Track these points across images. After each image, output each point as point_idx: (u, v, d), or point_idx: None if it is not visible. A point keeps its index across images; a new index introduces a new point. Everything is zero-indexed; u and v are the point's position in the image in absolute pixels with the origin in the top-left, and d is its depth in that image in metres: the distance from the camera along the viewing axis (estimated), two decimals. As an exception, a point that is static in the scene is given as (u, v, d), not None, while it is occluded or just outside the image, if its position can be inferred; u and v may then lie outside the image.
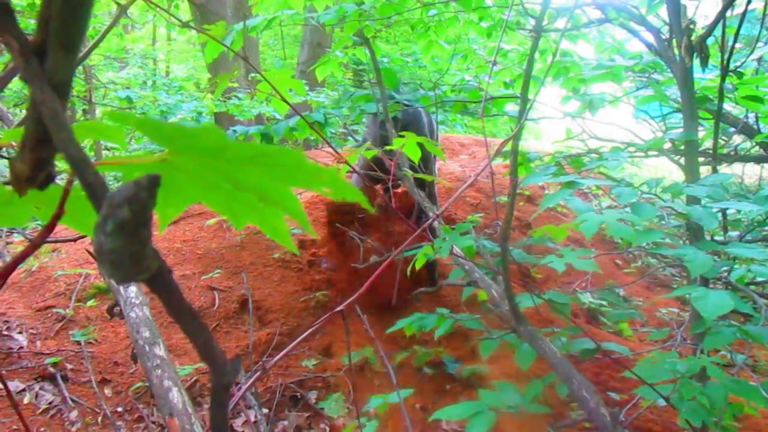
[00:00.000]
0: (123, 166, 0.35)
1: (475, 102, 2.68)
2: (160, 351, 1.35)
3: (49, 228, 0.31)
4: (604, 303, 3.11)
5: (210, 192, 0.39)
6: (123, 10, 1.41)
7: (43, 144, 0.27)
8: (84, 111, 6.54)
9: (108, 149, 7.44)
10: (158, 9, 1.38)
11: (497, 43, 2.24)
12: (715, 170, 2.08)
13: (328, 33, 5.63)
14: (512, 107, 3.02)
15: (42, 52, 0.25)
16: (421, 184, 2.94)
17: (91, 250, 1.77)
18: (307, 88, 4.09)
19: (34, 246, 0.38)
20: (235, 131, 2.36)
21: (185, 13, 7.54)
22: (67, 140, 0.25)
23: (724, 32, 1.90)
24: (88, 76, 5.06)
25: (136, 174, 0.41)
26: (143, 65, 6.48)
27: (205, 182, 0.35)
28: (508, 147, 1.77)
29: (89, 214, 0.28)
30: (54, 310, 2.74)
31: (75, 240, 1.73)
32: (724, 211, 2.14)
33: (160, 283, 0.26)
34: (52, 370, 2.37)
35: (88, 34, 5.51)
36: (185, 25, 1.29)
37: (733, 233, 2.54)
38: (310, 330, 1.15)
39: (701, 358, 1.47)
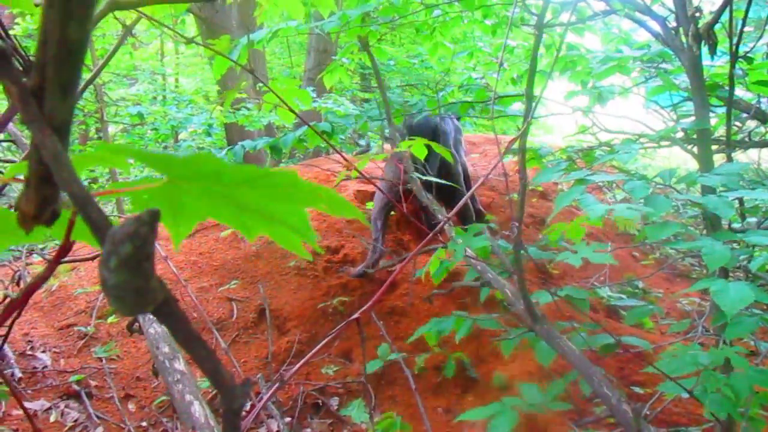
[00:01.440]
0: (129, 193, 0.36)
1: (482, 102, 2.67)
2: (180, 365, 1.36)
3: (60, 255, 0.32)
4: (624, 297, 3.08)
5: (218, 208, 0.40)
6: (129, 29, 1.43)
7: (47, 182, 0.28)
8: (97, 129, 6.62)
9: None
10: (163, 27, 1.39)
11: (503, 41, 2.24)
12: (729, 158, 2.05)
13: (333, 40, 5.65)
14: (520, 105, 3.00)
15: (40, 95, 0.26)
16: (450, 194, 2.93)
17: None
18: (314, 95, 4.11)
19: (50, 268, 0.38)
20: (243, 146, 2.38)
21: (191, 27, 7.61)
22: (69, 179, 0.25)
23: (731, 18, 1.88)
24: (99, 95, 5.13)
25: (143, 198, 0.42)
26: (153, 81, 6.55)
27: (211, 201, 0.36)
28: (517, 144, 1.76)
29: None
30: (76, 328, 2.78)
31: (93, 258, 1.76)
32: (740, 198, 2.11)
33: (167, 313, 0.26)
34: (76, 387, 2.40)
35: (96, 53, 5.58)
36: (190, 41, 1.31)
37: (752, 219, 2.50)
38: (327, 339, 1.16)
39: (724, 349, 1.45)
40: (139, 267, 0.23)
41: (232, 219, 0.37)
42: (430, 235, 1.57)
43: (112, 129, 6.93)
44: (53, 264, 0.38)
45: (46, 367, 2.53)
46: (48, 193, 0.29)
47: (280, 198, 0.33)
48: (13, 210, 0.38)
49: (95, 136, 7.46)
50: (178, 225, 0.39)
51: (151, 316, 1.65)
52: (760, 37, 2.17)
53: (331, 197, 0.33)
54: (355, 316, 1.20)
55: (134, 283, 0.24)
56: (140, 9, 1.25)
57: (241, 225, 0.37)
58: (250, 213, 0.35)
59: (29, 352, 2.60)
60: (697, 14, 1.87)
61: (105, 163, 0.37)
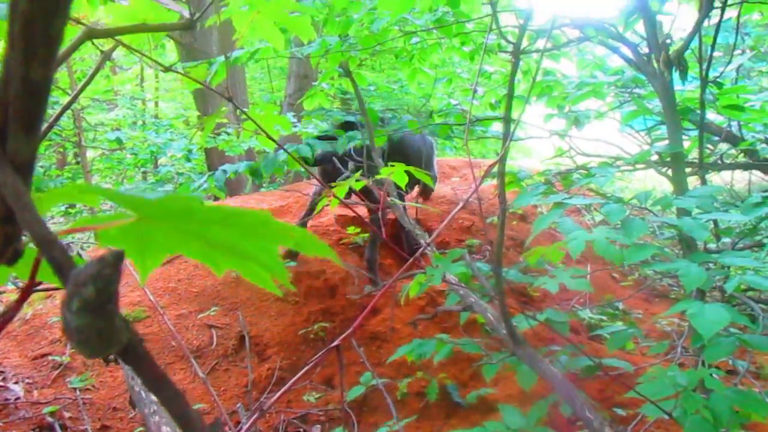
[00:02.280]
0: (99, 229, 0.35)
1: (460, 125, 2.70)
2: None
3: (24, 297, 0.31)
4: (604, 318, 3.10)
5: (187, 244, 0.39)
6: (106, 56, 1.42)
7: (8, 222, 0.27)
8: (75, 154, 6.56)
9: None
10: (141, 55, 1.39)
11: (478, 68, 2.27)
12: (703, 180, 2.09)
13: (314, 66, 5.69)
14: (498, 127, 3.04)
15: (2, 135, 0.26)
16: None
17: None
18: (295, 120, 4.11)
19: (14, 308, 0.37)
20: (224, 171, 2.37)
21: (172, 51, 7.62)
22: (31, 219, 0.25)
23: (700, 45, 1.93)
24: (77, 119, 5.09)
25: (111, 233, 0.41)
26: (132, 105, 6.52)
27: (180, 237, 0.36)
28: (496, 169, 1.78)
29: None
30: (50, 357, 2.72)
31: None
32: (715, 220, 2.15)
33: (132, 356, 0.26)
34: (50, 419, 2.34)
35: (75, 76, 5.55)
36: (168, 69, 1.30)
37: (727, 239, 2.55)
38: (306, 369, 1.14)
39: (701, 371, 1.46)
40: (102, 309, 0.23)
41: (202, 254, 0.36)
42: (410, 260, 1.57)
43: (90, 154, 6.87)
44: (16, 305, 0.37)
45: (18, 398, 2.46)
46: (10, 232, 0.28)
47: (251, 236, 0.33)
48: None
49: (73, 160, 7.38)
50: (145, 259, 0.38)
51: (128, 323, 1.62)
52: (729, 62, 2.24)
53: (303, 236, 0.33)
54: (335, 343, 1.19)
55: (97, 325, 0.23)
56: (117, 37, 1.24)
57: (210, 260, 0.37)
58: (220, 249, 0.35)
59: (1, 383, 2.52)
60: (668, 41, 1.92)
61: (74, 200, 0.36)
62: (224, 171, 2.43)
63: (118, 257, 0.23)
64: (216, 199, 5.71)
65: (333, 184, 1.59)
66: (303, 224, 3.37)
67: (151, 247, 0.39)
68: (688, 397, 1.42)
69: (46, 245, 0.25)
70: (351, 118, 3.03)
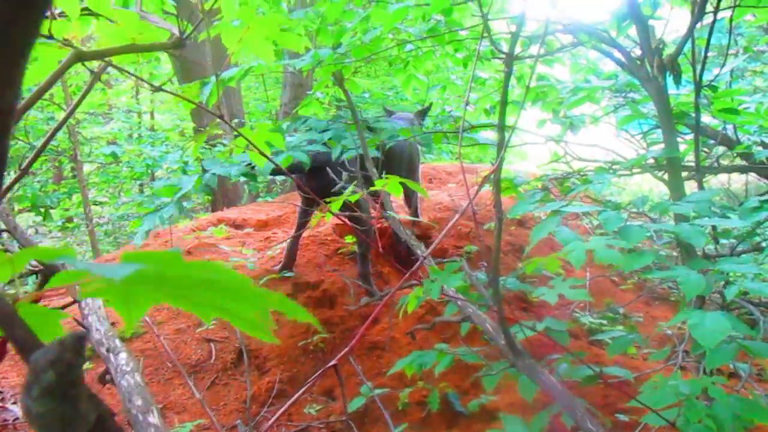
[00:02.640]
0: (77, 290, 0.34)
1: (454, 132, 2.69)
2: (153, 419, 1.32)
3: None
4: (605, 322, 3.09)
5: (171, 297, 0.38)
6: (96, 77, 1.41)
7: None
8: (71, 168, 6.54)
9: (97, 204, 7.43)
10: (131, 75, 1.38)
11: (471, 74, 2.27)
12: (700, 183, 2.08)
13: (307, 75, 5.69)
14: (491, 133, 3.04)
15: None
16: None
17: (80, 319, 1.74)
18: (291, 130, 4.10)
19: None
20: (214, 174, 2.36)
21: (167, 63, 7.61)
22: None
23: (694, 49, 1.93)
24: (73, 134, 5.08)
25: (96, 287, 0.40)
26: (127, 119, 6.51)
27: (164, 295, 0.35)
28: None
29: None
30: (48, 376, 2.70)
31: (63, 308, 1.71)
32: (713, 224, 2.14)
33: None
34: (49, 440, 2.32)
35: (70, 90, 5.54)
36: (158, 89, 1.30)
37: (725, 241, 2.54)
38: (305, 388, 1.13)
39: (704, 379, 1.45)
40: (64, 394, 0.22)
41: (187, 306, 0.35)
42: (409, 272, 1.56)
43: (86, 167, 6.86)
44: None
45: (17, 419, 2.44)
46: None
47: (232, 299, 0.32)
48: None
49: (70, 175, 7.37)
50: (130, 310, 0.37)
51: (125, 367, 1.60)
52: (723, 65, 2.23)
53: (282, 301, 0.32)
54: (332, 363, 1.18)
55: (59, 411, 0.22)
56: (106, 58, 1.24)
57: (197, 311, 0.36)
58: (205, 306, 0.34)
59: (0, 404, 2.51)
60: (661, 45, 1.92)
61: (53, 257, 0.35)
62: (213, 174, 2.42)
63: (78, 341, 0.22)
64: (214, 208, 5.70)
65: (328, 199, 1.58)
66: (296, 238, 3.37)
67: (135, 300, 0.38)
68: (691, 406, 1.41)
69: (7, 325, 0.23)
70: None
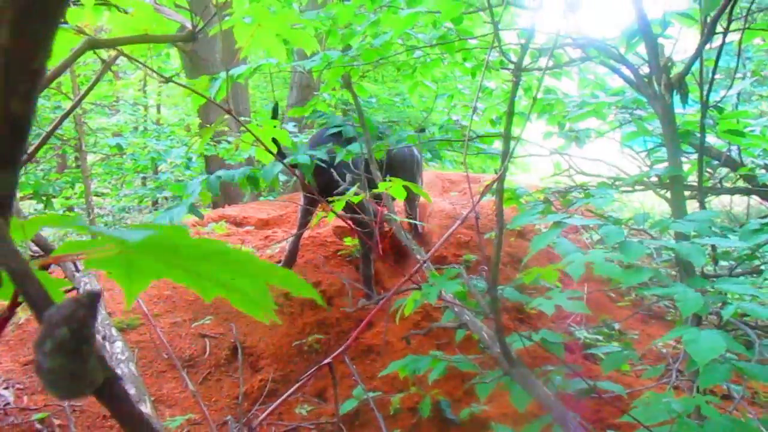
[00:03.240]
0: (84, 258, 0.35)
1: (460, 141, 2.70)
2: (146, 408, 1.32)
3: (3, 324, 0.30)
4: (600, 338, 3.08)
5: (174, 270, 0.39)
6: (107, 66, 1.42)
7: (-14, 255, 0.27)
8: (75, 158, 6.55)
9: (99, 195, 7.43)
10: (142, 65, 1.39)
11: (479, 84, 2.28)
12: (702, 203, 2.09)
13: (315, 78, 5.71)
14: (498, 144, 3.04)
15: (-19, 168, 0.25)
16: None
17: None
18: (296, 129, 4.12)
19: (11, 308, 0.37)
20: (219, 177, 2.37)
21: (176, 59, 7.63)
22: (8, 253, 0.24)
23: (702, 69, 1.94)
24: (78, 124, 5.09)
25: (98, 259, 0.41)
26: (134, 111, 6.53)
27: (167, 266, 0.35)
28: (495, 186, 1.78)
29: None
30: (41, 363, 2.70)
31: (66, 292, 1.70)
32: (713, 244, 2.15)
33: (107, 395, 0.25)
34: (39, 426, 2.31)
35: (78, 80, 5.55)
36: (169, 80, 1.30)
37: (725, 263, 2.54)
38: (298, 385, 1.13)
39: (697, 397, 1.45)
40: (76, 351, 0.22)
41: (189, 281, 0.36)
42: (408, 277, 1.56)
43: (90, 158, 6.87)
44: (4, 320, 0.36)
45: (8, 404, 2.44)
46: (-13, 265, 0.27)
47: (237, 273, 0.32)
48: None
49: (74, 164, 7.38)
50: (132, 283, 0.38)
51: (120, 356, 1.60)
52: (730, 87, 2.24)
53: (287, 275, 0.33)
54: (327, 360, 1.18)
55: (70, 367, 0.22)
56: (118, 47, 1.24)
57: (198, 287, 0.36)
58: (207, 280, 0.34)
59: (-9, 389, 2.50)
60: (669, 64, 1.93)
61: (62, 224, 0.36)
62: (218, 177, 2.43)
63: (93, 298, 0.23)
64: (215, 205, 5.70)
65: (330, 198, 1.58)
66: (297, 237, 3.37)
67: (137, 273, 0.38)
68: (682, 424, 1.41)
69: (22, 281, 0.24)
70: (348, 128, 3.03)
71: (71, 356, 0.22)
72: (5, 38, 0.22)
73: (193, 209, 2.15)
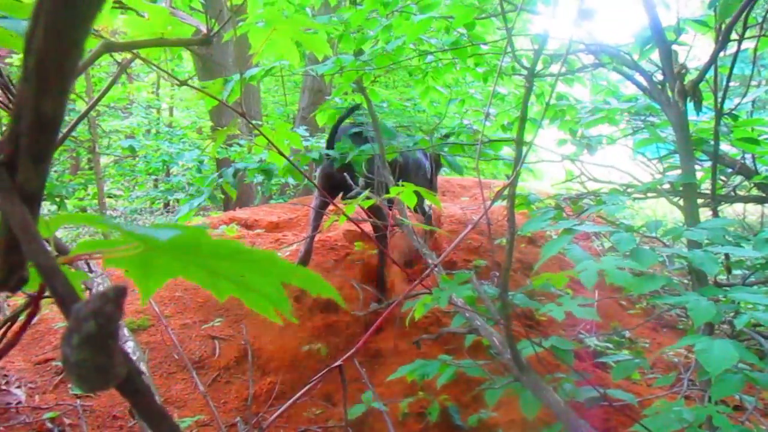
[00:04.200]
0: (105, 257, 0.35)
1: (471, 145, 2.70)
2: (156, 408, 1.33)
3: (25, 326, 0.31)
4: (611, 345, 3.07)
5: (191, 269, 0.39)
6: (122, 69, 1.44)
7: (15, 250, 0.27)
8: (88, 160, 6.61)
9: (112, 197, 7.49)
10: (157, 68, 1.40)
11: (492, 89, 2.28)
12: (715, 212, 2.07)
13: (326, 82, 5.73)
14: (510, 150, 3.04)
15: (13, 166, 0.26)
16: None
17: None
18: (307, 133, 4.13)
19: (15, 337, 0.37)
20: (237, 170, 2.39)
21: (188, 61, 7.69)
22: (37, 250, 0.25)
23: (716, 77, 1.93)
24: (92, 126, 5.14)
25: (117, 257, 0.41)
26: (147, 113, 6.59)
27: (184, 264, 0.36)
28: (507, 191, 1.78)
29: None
30: (53, 363, 2.72)
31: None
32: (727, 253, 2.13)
33: (130, 389, 0.26)
34: (50, 425, 2.33)
35: (92, 80, 5.60)
36: (183, 83, 1.32)
37: (738, 272, 2.52)
38: (306, 388, 1.14)
39: (709, 407, 1.44)
40: (102, 345, 0.23)
41: (204, 281, 0.36)
42: (418, 281, 1.56)
43: (103, 160, 6.93)
44: (14, 337, 0.37)
45: (20, 403, 2.46)
46: (15, 261, 0.28)
47: (257, 272, 0.33)
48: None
49: (87, 166, 7.45)
50: (148, 280, 0.38)
51: (131, 356, 1.62)
52: (745, 94, 2.23)
53: (307, 275, 0.33)
54: (338, 363, 1.18)
55: (97, 360, 0.23)
56: (134, 51, 1.26)
57: (212, 286, 0.37)
58: (224, 279, 0.34)
59: (4, 387, 2.52)
60: (683, 71, 1.92)
61: (84, 221, 0.36)
62: (237, 169, 2.45)
63: (119, 294, 0.23)
64: (226, 208, 5.73)
65: (344, 201, 1.59)
66: (310, 240, 3.38)
67: (154, 271, 0.39)
68: (693, 433, 1.39)
69: (50, 276, 0.24)
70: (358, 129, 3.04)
71: (97, 350, 0.23)
72: (39, 41, 0.23)
73: (213, 197, 2.18)
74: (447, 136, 3.08)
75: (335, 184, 2.93)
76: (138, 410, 0.26)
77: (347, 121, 3.08)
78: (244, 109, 1.53)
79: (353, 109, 2.97)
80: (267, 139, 1.29)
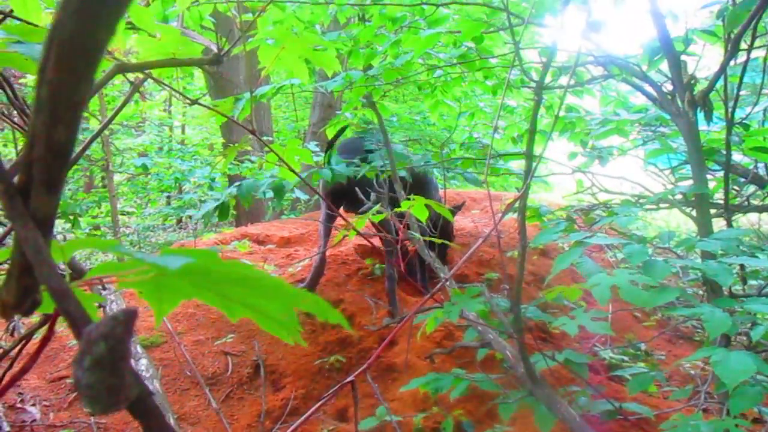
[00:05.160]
0: (118, 280, 0.36)
1: (481, 159, 2.71)
2: (170, 422, 1.34)
3: (42, 347, 0.31)
4: (626, 358, 3.03)
5: (203, 291, 0.40)
6: (135, 88, 1.46)
7: (28, 274, 0.28)
8: (102, 178, 6.69)
9: (125, 214, 7.56)
10: (168, 88, 1.42)
11: (500, 102, 2.28)
12: (728, 222, 2.06)
13: (337, 96, 5.77)
14: (520, 163, 3.04)
15: (26, 192, 0.27)
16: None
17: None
18: (318, 148, 4.15)
19: (34, 357, 0.38)
20: (241, 185, 2.41)
21: (199, 79, 7.78)
22: (49, 274, 0.25)
23: (726, 86, 1.92)
24: (105, 144, 5.21)
25: (132, 279, 0.42)
26: (160, 131, 6.67)
27: (197, 288, 0.36)
28: (518, 204, 1.77)
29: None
30: (68, 380, 2.73)
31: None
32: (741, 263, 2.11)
33: (140, 410, 0.26)
34: (64, 443, 2.34)
35: (105, 99, 5.68)
36: (195, 102, 1.33)
37: (754, 282, 2.49)
38: (320, 404, 1.13)
39: (726, 420, 1.42)
40: (113, 366, 0.23)
41: (217, 302, 0.37)
42: (430, 294, 1.56)
43: (117, 177, 7.01)
44: (34, 356, 0.37)
45: (35, 420, 2.47)
46: (29, 285, 0.29)
47: (266, 297, 0.33)
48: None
49: (100, 184, 7.53)
50: (161, 302, 0.39)
51: (144, 373, 1.62)
52: (756, 104, 2.21)
53: (314, 301, 0.33)
54: (350, 378, 1.18)
55: (108, 382, 0.23)
56: (146, 71, 1.28)
57: (226, 308, 0.37)
58: (236, 303, 0.35)
59: (19, 405, 2.54)
60: (693, 81, 1.92)
61: (98, 246, 0.37)
62: (241, 185, 2.47)
63: (130, 316, 0.24)
64: (238, 224, 5.76)
65: (355, 215, 1.60)
66: (322, 254, 3.38)
67: (168, 293, 0.39)
68: (711, 448, 1.37)
69: (62, 299, 0.25)
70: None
71: (108, 371, 0.23)
72: (52, 72, 0.23)
73: (223, 207, 2.20)
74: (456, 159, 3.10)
75: (338, 192, 2.97)
76: (148, 431, 0.27)
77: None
78: (254, 126, 1.54)
79: (342, 130, 3.02)
80: (278, 155, 1.30)
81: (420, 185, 3.38)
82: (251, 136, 1.45)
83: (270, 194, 2.64)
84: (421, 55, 2.55)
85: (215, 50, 1.39)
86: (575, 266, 1.58)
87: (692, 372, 2.97)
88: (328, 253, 3.67)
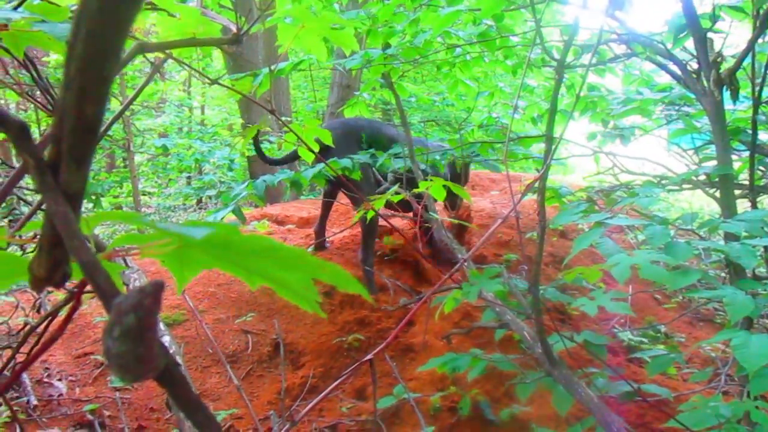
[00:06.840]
0: (141, 252, 0.36)
1: (500, 142, 2.68)
2: (192, 401, 1.37)
3: (67, 320, 0.32)
4: (645, 340, 3.02)
5: (224, 263, 0.40)
6: (156, 69, 1.47)
7: (58, 247, 0.29)
8: (123, 158, 6.76)
9: (146, 194, 7.65)
10: (188, 68, 1.43)
11: (521, 81, 2.25)
12: (753, 203, 2.02)
13: (355, 76, 5.74)
14: (539, 147, 3.01)
15: (56, 167, 0.27)
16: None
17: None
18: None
19: (60, 329, 0.39)
20: (264, 181, 2.41)
21: (218, 59, 7.78)
22: (79, 247, 0.26)
23: (753, 64, 1.88)
24: (127, 125, 5.26)
25: (154, 249, 0.43)
26: (179, 112, 6.71)
27: (219, 258, 0.37)
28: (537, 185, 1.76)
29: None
30: (93, 356, 2.80)
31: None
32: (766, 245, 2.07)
33: (168, 379, 0.27)
34: (90, 417, 2.40)
35: (125, 79, 5.73)
36: (215, 82, 1.34)
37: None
38: (340, 380, 1.15)
39: (747, 402, 1.41)
40: (142, 337, 0.24)
41: (238, 270, 0.37)
42: (448, 275, 1.56)
43: (138, 158, 7.08)
44: (59, 330, 0.38)
45: (61, 395, 2.54)
46: (59, 257, 0.29)
47: (287, 268, 0.34)
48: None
49: (122, 164, 7.62)
50: (183, 270, 0.40)
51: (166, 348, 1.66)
52: (784, 82, 2.16)
53: (336, 272, 0.34)
54: (368, 357, 1.19)
55: (137, 352, 0.24)
56: (166, 51, 1.28)
57: (245, 275, 0.38)
58: (256, 274, 0.35)
59: (45, 380, 2.61)
60: (719, 59, 1.87)
61: (123, 219, 0.38)
62: (264, 181, 2.48)
63: (158, 288, 0.24)
64: (257, 205, 5.81)
65: (372, 196, 1.60)
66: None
67: (190, 262, 0.40)
68: (731, 430, 1.37)
69: (92, 272, 0.26)
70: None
71: (137, 341, 0.24)
72: (80, 48, 0.24)
73: (237, 212, 2.21)
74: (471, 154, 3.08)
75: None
76: (175, 400, 0.28)
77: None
78: (273, 105, 1.54)
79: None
80: (297, 135, 1.31)
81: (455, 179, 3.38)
82: (270, 116, 1.45)
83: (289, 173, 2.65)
84: (440, 33, 2.52)
85: (234, 30, 1.39)
86: (595, 247, 1.57)
87: (713, 354, 2.95)
88: (346, 234, 3.69)
